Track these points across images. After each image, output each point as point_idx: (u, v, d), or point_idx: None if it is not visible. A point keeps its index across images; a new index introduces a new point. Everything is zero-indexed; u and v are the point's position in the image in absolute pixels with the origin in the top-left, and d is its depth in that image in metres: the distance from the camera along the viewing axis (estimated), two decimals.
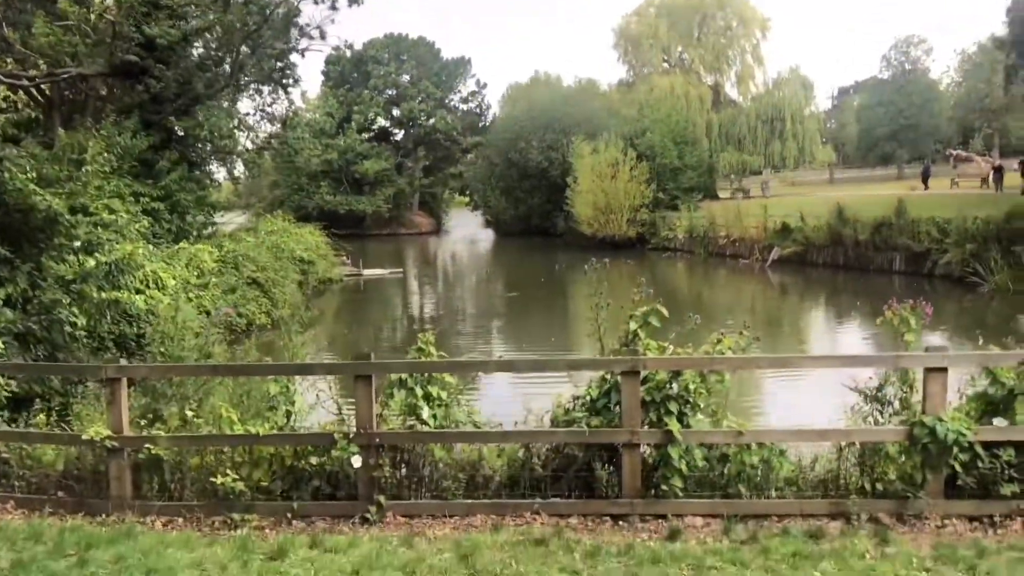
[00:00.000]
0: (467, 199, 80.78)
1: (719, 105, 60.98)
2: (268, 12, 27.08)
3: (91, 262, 13.68)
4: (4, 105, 25.49)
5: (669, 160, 49.08)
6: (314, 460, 6.84)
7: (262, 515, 6.68)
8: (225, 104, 28.94)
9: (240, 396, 8.53)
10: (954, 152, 56.33)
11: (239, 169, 35.37)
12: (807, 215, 35.25)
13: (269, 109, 34.28)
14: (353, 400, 6.80)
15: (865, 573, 5.20)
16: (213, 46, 27.84)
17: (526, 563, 5.50)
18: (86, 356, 12.30)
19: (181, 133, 24.97)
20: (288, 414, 7.16)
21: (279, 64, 30.61)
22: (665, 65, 63.64)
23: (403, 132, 79.89)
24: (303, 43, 30.22)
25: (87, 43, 23.28)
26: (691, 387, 6.55)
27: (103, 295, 13.67)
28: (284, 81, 31.97)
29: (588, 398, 6.88)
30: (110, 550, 5.86)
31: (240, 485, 6.69)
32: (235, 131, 30.19)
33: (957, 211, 27.95)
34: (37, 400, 10.10)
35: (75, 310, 12.55)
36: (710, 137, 56.77)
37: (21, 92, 25.28)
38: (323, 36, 29.83)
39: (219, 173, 32.82)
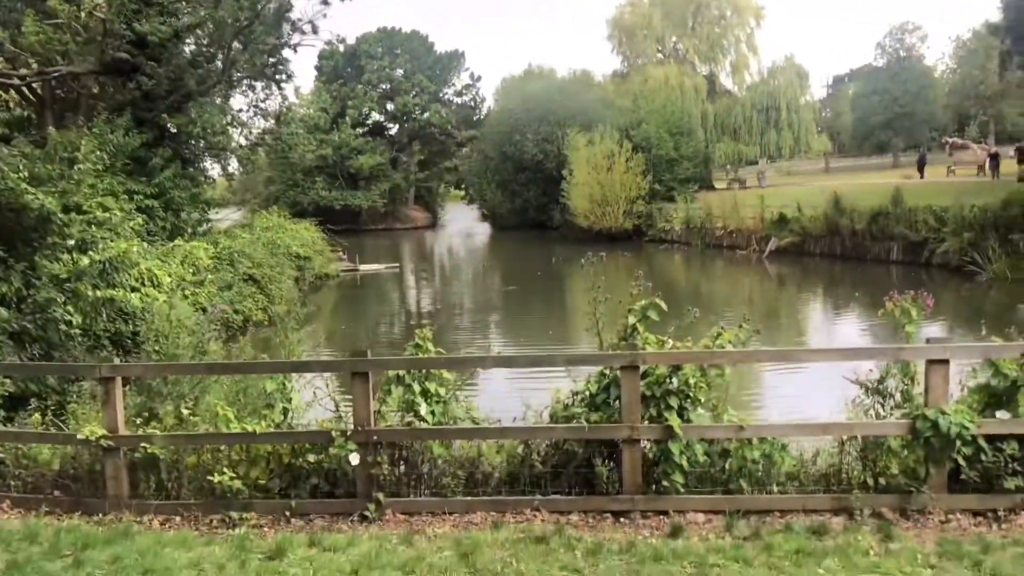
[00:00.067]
0: (463, 193, 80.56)
1: (714, 95, 60.81)
2: (259, 7, 26.88)
3: (85, 260, 13.58)
4: None
5: (665, 151, 48.98)
6: (312, 458, 6.80)
7: (260, 513, 6.64)
8: (218, 101, 28.74)
9: (236, 394, 8.49)
10: (950, 140, 56.32)
11: (233, 165, 35.21)
12: (804, 205, 35.22)
13: (262, 105, 34.11)
14: (350, 397, 6.74)
15: (869, 570, 5.15)
16: (205, 42, 27.65)
17: (527, 561, 5.45)
18: (82, 354, 12.21)
19: (174, 130, 24.81)
20: (285, 412, 7.10)
21: (271, 60, 30.41)
22: (659, 55, 63.44)
23: (398, 126, 79.66)
24: (295, 38, 30.02)
25: (78, 41, 23.12)
26: (691, 381, 6.49)
27: (98, 293, 13.58)
28: (277, 77, 31.78)
29: (587, 393, 6.83)
30: (107, 550, 5.82)
31: (238, 483, 6.65)
32: (228, 127, 30.01)
33: (954, 199, 27.93)
34: (33, 399, 10.03)
35: (70, 308, 12.46)
36: (705, 127, 56.59)
37: (12, 91, 25.14)
38: (315, 31, 29.65)
39: (213, 170, 32.66)
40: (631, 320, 6.89)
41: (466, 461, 6.86)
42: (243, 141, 33.60)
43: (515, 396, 7.65)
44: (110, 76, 24.24)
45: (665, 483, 6.31)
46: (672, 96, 54.46)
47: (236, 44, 27.11)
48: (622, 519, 6.26)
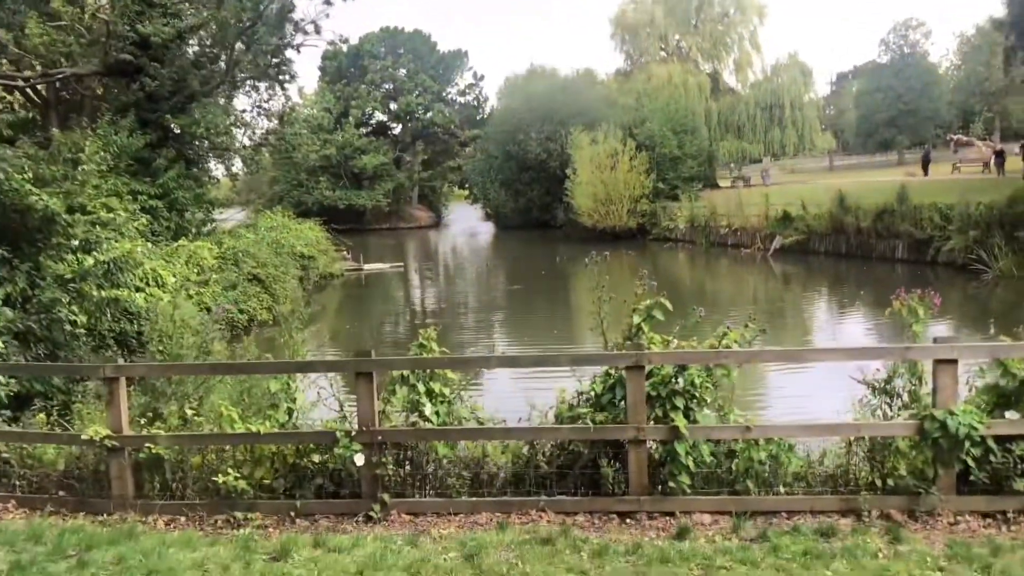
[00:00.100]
0: (466, 192, 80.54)
1: (718, 93, 60.67)
2: (262, 8, 26.94)
3: (90, 261, 13.59)
4: (0, 107, 25.40)
5: (668, 149, 48.88)
6: (317, 458, 6.79)
7: (265, 514, 6.62)
8: (221, 101, 28.80)
9: (241, 394, 8.46)
10: (955, 137, 56.15)
11: (237, 166, 35.25)
12: (808, 203, 35.13)
13: (266, 105, 34.16)
14: (355, 397, 6.72)
15: (878, 573, 5.10)
16: (208, 43, 27.69)
17: (532, 563, 5.42)
18: (87, 354, 12.24)
19: (178, 131, 24.84)
20: (290, 412, 7.09)
21: (274, 60, 30.44)
22: (663, 53, 63.34)
23: (401, 126, 79.72)
24: (298, 38, 30.05)
25: (81, 43, 23.18)
26: (697, 381, 6.45)
27: (103, 293, 13.59)
28: (280, 77, 31.82)
29: (592, 394, 6.80)
30: (111, 551, 5.80)
31: (242, 484, 6.64)
32: (232, 128, 30.04)
33: (959, 197, 27.78)
34: (38, 399, 10.04)
35: (75, 308, 12.49)
36: (709, 125, 56.46)
37: (17, 93, 25.19)
38: (318, 31, 29.68)
39: (217, 170, 32.71)
40: (636, 320, 6.85)
41: (471, 461, 6.83)
42: (247, 141, 33.67)
43: (520, 396, 7.61)
44: (114, 77, 24.28)
45: (671, 484, 6.28)
46: (675, 94, 54.35)
47: (239, 45, 27.18)
48: (628, 520, 6.23)
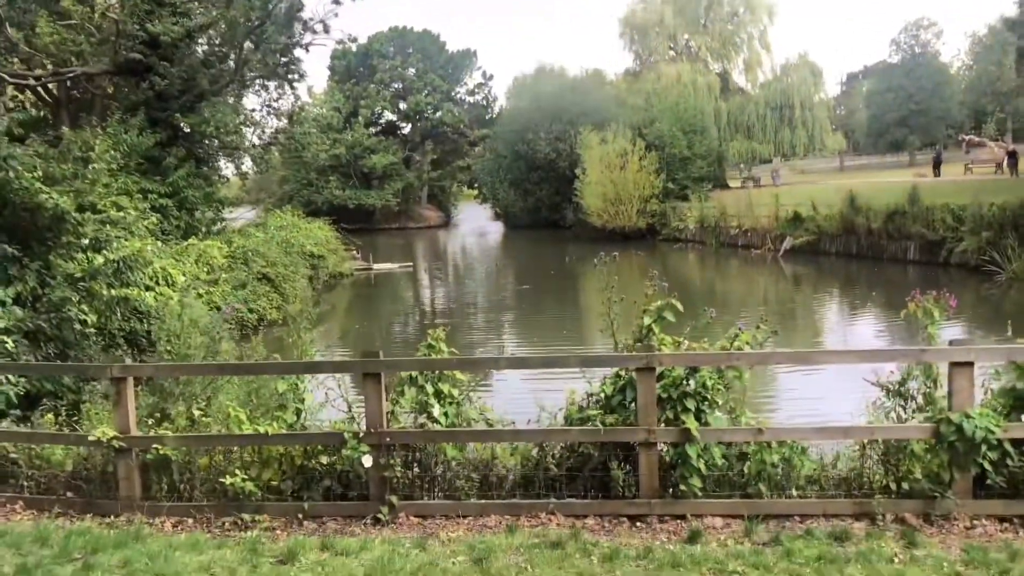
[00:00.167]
0: (476, 192, 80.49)
1: (727, 93, 60.44)
2: (271, 7, 26.98)
3: (99, 259, 13.60)
4: (12, 105, 25.49)
5: (678, 149, 48.72)
6: (324, 460, 6.75)
7: (273, 515, 6.58)
8: (231, 100, 28.85)
9: (249, 394, 8.43)
10: (966, 137, 55.79)
11: (247, 165, 35.34)
12: (818, 204, 34.93)
13: (275, 104, 34.27)
14: (363, 397, 6.68)
15: None
16: (217, 42, 27.76)
17: (542, 567, 5.36)
18: (97, 353, 12.24)
19: (187, 130, 24.89)
20: (298, 412, 7.05)
21: (283, 59, 30.50)
22: (672, 53, 63.14)
23: (410, 126, 79.75)
24: (307, 37, 30.10)
25: (91, 42, 23.26)
26: (708, 383, 6.39)
27: (112, 292, 13.61)
28: (289, 76, 31.88)
29: (602, 395, 6.73)
30: (116, 554, 5.77)
31: (250, 485, 6.60)
32: (241, 127, 30.12)
33: (972, 197, 27.56)
34: (48, 398, 10.04)
35: (85, 307, 12.49)
36: (719, 126, 56.23)
37: (28, 92, 25.29)
38: (327, 30, 29.72)
39: (227, 169, 32.80)
40: (646, 321, 6.79)
41: (480, 463, 6.78)
42: (256, 140, 33.75)
43: (529, 397, 7.55)
44: (124, 76, 24.35)
45: (682, 487, 6.21)
46: (685, 94, 54.17)
47: (248, 44, 27.22)
48: (639, 523, 6.16)
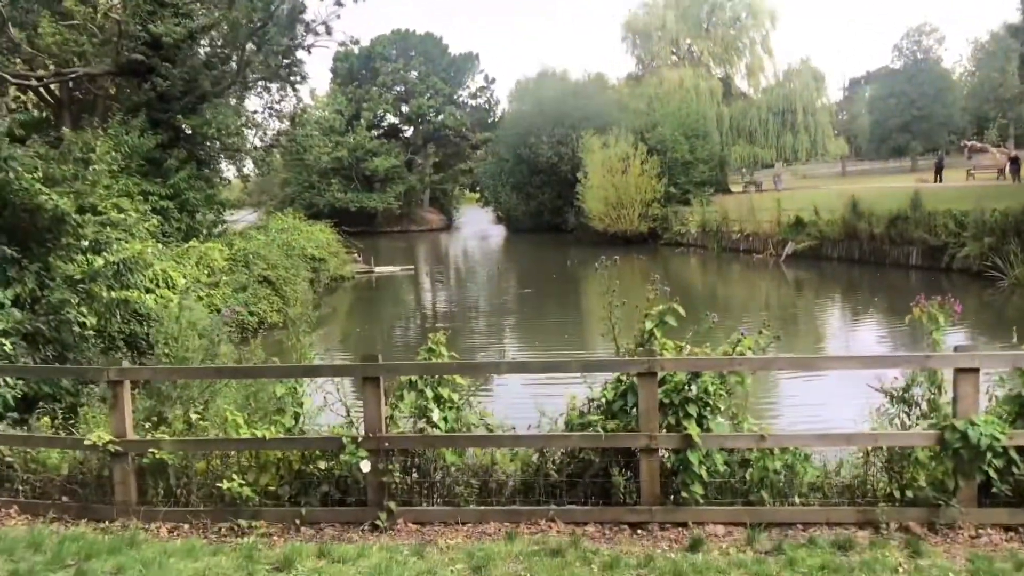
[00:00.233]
0: (478, 195, 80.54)
1: (729, 98, 60.42)
2: (273, 9, 26.98)
3: (99, 261, 13.55)
4: (14, 106, 25.49)
5: (680, 154, 48.71)
6: (322, 465, 6.67)
7: (270, 521, 6.50)
8: (233, 102, 28.86)
9: (247, 398, 8.36)
10: (968, 143, 55.68)
11: (249, 167, 35.34)
12: (821, 209, 34.90)
13: (277, 107, 34.27)
14: (362, 402, 6.62)
15: None
16: (219, 44, 27.77)
17: (542, 575, 5.29)
18: (96, 356, 12.18)
19: (189, 131, 24.88)
20: (296, 416, 6.98)
21: (285, 61, 30.52)
22: (674, 58, 63.17)
23: (412, 129, 79.82)
24: (309, 39, 30.10)
25: (94, 42, 23.26)
26: (710, 389, 6.31)
27: (112, 294, 13.55)
28: (291, 78, 31.89)
29: (604, 400, 6.66)
30: (110, 560, 5.69)
31: (247, 490, 6.53)
32: (243, 129, 30.11)
33: (974, 203, 27.54)
34: (46, 401, 9.97)
35: (84, 310, 12.43)
36: (721, 130, 56.24)
37: (31, 92, 25.28)
38: (329, 32, 29.75)
39: (229, 171, 32.78)
40: (648, 325, 6.71)
41: (479, 469, 6.71)
42: (258, 143, 33.74)
43: (530, 402, 7.48)
44: (125, 77, 24.35)
45: (684, 494, 6.12)
46: (687, 98, 54.19)
47: (250, 45, 27.22)
48: (640, 531, 6.08)
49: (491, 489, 6.60)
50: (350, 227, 44.73)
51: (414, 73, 77.82)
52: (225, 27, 26.18)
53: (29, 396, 9.73)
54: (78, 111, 26.29)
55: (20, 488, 7.15)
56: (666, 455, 6.31)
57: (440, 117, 77.54)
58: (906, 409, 6.47)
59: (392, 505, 6.40)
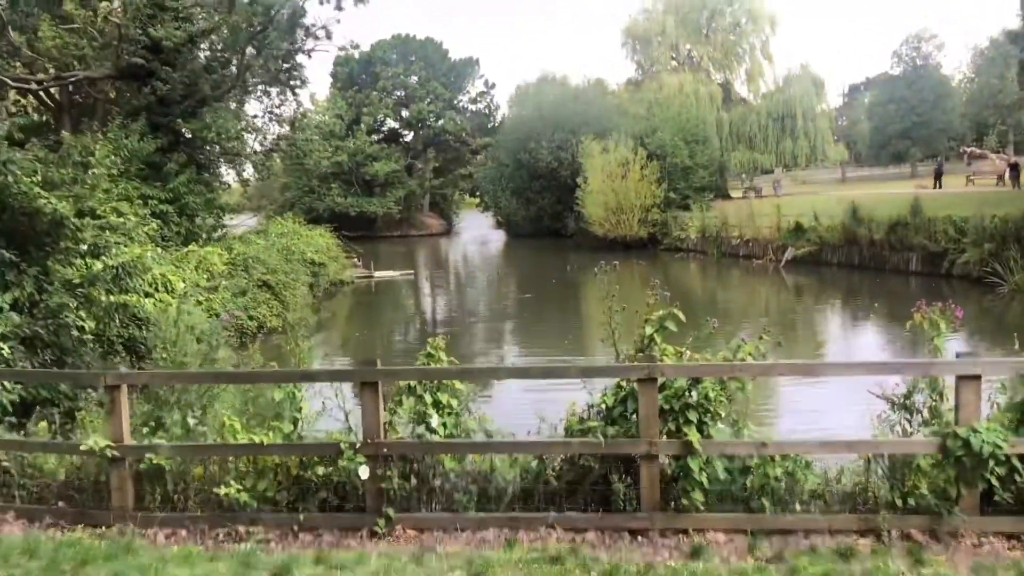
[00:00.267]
0: (477, 200, 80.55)
1: (729, 103, 60.52)
2: (273, 13, 26.99)
3: (98, 265, 13.53)
4: (14, 109, 25.48)
5: (680, 159, 48.72)
6: (321, 470, 6.63)
7: (268, 527, 6.46)
8: (233, 106, 28.90)
9: (246, 403, 8.32)
10: (968, 149, 55.75)
11: (249, 171, 35.34)
12: (820, 214, 34.89)
13: (277, 111, 34.30)
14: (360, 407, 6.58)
15: None
16: (219, 48, 27.81)
17: None
18: (95, 360, 12.15)
19: (189, 135, 24.88)
20: (295, 422, 6.94)
21: (286, 65, 30.57)
22: (674, 63, 63.24)
23: (413, 133, 79.86)
24: (309, 43, 30.15)
25: (94, 46, 23.27)
26: (711, 395, 6.27)
27: (111, 298, 13.52)
28: (291, 82, 31.91)
29: (603, 406, 6.62)
30: (106, 567, 5.65)
31: (245, 496, 6.49)
32: (243, 133, 30.12)
33: (974, 209, 27.52)
34: (45, 405, 9.93)
35: (83, 314, 12.39)
36: (721, 136, 56.28)
37: (31, 96, 25.28)
38: (329, 36, 29.82)
39: (229, 175, 32.79)
40: (648, 330, 6.68)
41: (479, 475, 6.66)
42: (258, 147, 33.75)
43: (529, 408, 7.44)
44: (126, 81, 24.36)
45: (684, 501, 6.09)
46: (687, 104, 54.25)
47: (250, 49, 27.24)
48: (640, 538, 6.04)
49: (490, 496, 6.55)
50: (350, 231, 44.70)
51: (414, 78, 77.89)
52: (225, 31, 26.23)
53: (27, 400, 9.68)
54: (78, 115, 26.28)
55: (17, 493, 7.11)
56: (667, 462, 6.28)
57: (440, 122, 77.59)
58: (907, 416, 6.44)
59: (391, 511, 6.36)
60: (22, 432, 8.21)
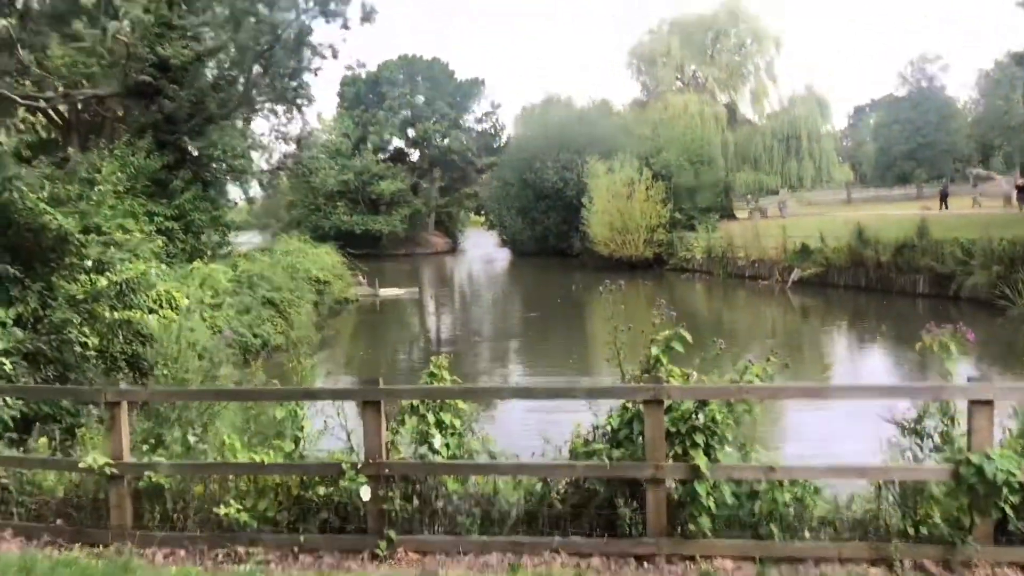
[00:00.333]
0: (483, 219, 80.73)
1: (734, 124, 60.62)
2: (280, 32, 27.15)
3: (103, 281, 13.52)
4: (23, 127, 25.63)
5: (685, 179, 48.76)
6: (322, 490, 6.53)
7: (268, 548, 6.37)
8: (239, 124, 29.00)
9: (247, 421, 8.25)
10: (975, 171, 55.72)
11: (255, 190, 35.46)
12: (826, 236, 34.80)
13: (284, 129, 34.42)
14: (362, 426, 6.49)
15: None
16: (226, 66, 27.95)
17: None
18: (97, 376, 12.09)
19: (195, 153, 24.98)
20: (296, 440, 6.85)
21: (292, 84, 30.67)
22: (679, 84, 63.52)
23: (419, 152, 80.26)
24: (316, 62, 30.29)
25: (102, 64, 23.38)
26: (718, 418, 6.17)
27: (115, 315, 13.49)
28: (298, 101, 32.03)
29: (609, 428, 6.52)
30: None
31: (245, 516, 6.40)
32: (249, 151, 30.21)
33: (981, 231, 27.42)
34: (46, 421, 9.87)
35: (86, 330, 12.37)
36: (726, 156, 56.31)
37: (39, 114, 25.42)
38: (335, 55, 29.93)
39: (235, 193, 32.87)
40: (654, 351, 6.58)
41: (482, 498, 6.55)
42: (264, 165, 33.86)
43: (534, 429, 7.35)
44: (133, 99, 24.46)
45: (691, 526, 5.97)
46: (692, 124, 54.36)
47: (257, 68, 27.37)
48: (646, 564, 5.93)
49: (494, 519, 6.44)
50: (355, 250, 44.70)
51: (420, 98, 78.41)
52: (232, 50, 26.36)
53: (29, 416, 9.63)
54: (86, 132, 26.39)
55: (15, 511, 7.03)
56: (673, 485, 6.16)
57: (446, 141, 77.95)
58: (918, 441, 6.31)
59: (392, 533, 6.26)
60: (22, 448, 8.14)
